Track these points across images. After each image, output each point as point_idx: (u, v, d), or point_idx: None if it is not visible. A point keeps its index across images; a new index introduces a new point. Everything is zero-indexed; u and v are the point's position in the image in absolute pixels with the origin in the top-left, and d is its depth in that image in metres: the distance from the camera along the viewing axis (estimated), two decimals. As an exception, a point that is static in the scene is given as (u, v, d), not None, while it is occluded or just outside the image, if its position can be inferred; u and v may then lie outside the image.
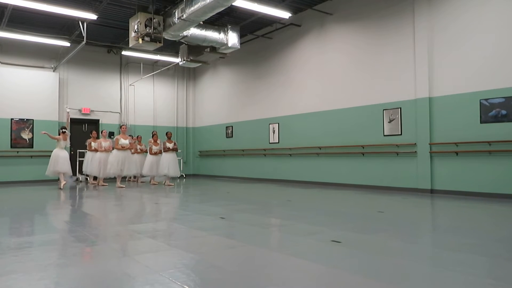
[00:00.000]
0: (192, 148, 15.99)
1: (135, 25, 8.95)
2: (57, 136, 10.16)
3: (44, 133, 10.22)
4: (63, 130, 10.22)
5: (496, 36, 7.12)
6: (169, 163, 10.72)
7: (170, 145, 10.88)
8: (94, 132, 11.51)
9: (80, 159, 12.44)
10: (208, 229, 4.43)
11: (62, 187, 9.71)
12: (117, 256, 3.23)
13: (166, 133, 11.19)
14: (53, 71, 12.81)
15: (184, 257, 3.14)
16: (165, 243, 3.69)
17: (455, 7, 7.72)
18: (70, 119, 13.01)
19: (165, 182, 11.08)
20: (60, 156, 9.87)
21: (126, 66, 14.42)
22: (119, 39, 12.85)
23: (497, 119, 7.03)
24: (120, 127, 10.85)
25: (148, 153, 11.19)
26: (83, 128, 13.52)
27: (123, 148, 10.37)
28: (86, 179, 12.51)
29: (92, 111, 13.64)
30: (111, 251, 3.43)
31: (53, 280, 2.57)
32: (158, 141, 11.32)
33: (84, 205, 6.99)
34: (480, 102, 7.26)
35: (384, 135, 8.88)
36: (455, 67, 7.68)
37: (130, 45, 9.46)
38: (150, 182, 11.59)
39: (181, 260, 3.07)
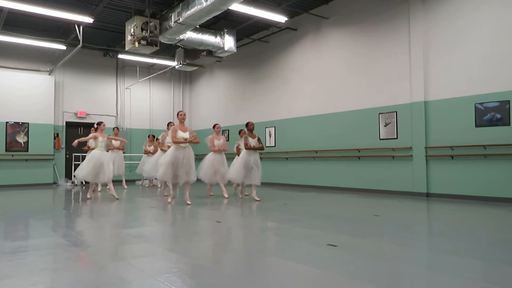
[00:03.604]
0: (188, 152, 15.92)
1: (132, 29, 8.94)
2: (90, 135, 7.90)
3: (76, 143, 7.71)
4: (98, 124, 8.02)
5: (491, 40, 7.17)
6: (254, 167, 7.76)
7: (253, 142, 7.78)
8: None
9: (76, 162, 12.36)
10: (204, 233, 4.42)
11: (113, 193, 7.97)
12: (112, 260, 3.21)
13: (247, 124, 7.91)
14: (49, 74, 12.76)
15: (179, 261, 3.13)
16: (161, 247, 3.68)
17: (450, 12, 7.78)
18: (66, 122, 13.08)
19: (242, 191, 8.21)
20: (105, 158, 7.77)
21: (122, 70, 14.39)
22: (115, 43, 12.83)
23: (492, 123, 7.08)
24: (177, 115, 7.17)
25: (244, 148, 7.82)
26: (79, 132, 13.46)
27: (185, 141, 6.91)
28: (82, 183, 12.40)
29: (88, 114, 13.58)
30: (106, 255, 3.41)
31: (47, 285, 2.55)
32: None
33: (80, 208, 6.94)
34: (475, 106, 7.30)
35: (380, 139, 8.91)
36: (450, 71, 7.73)
37: (126, 49, 9.44)
38: (236, 190, 8.83)
39: (176, 264, 3.06)
